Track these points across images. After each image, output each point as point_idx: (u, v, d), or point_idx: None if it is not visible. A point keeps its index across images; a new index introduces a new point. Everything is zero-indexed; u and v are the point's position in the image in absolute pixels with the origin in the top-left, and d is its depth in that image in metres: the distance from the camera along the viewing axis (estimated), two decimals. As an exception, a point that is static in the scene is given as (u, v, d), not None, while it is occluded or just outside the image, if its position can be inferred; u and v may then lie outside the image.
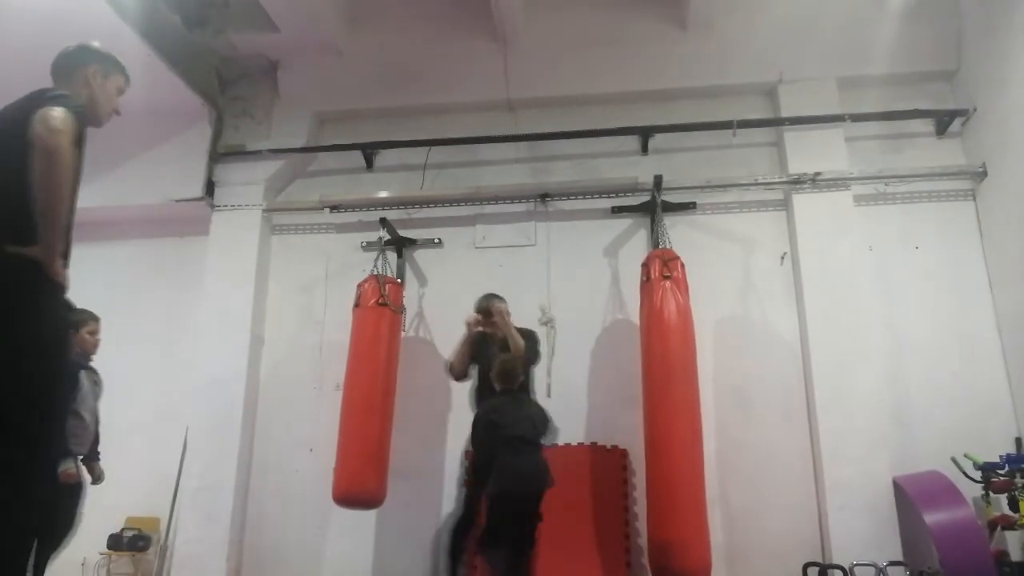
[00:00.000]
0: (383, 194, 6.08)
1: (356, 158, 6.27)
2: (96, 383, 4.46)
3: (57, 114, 2.21)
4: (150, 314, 6.35)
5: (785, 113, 5.77)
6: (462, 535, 4.38)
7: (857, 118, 5.63)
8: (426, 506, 5.46)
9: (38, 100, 2.30)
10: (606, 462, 5.16)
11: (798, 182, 5.60)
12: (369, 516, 5.38)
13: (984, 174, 5.43)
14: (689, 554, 4.36)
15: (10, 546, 2.06)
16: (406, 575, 5.37)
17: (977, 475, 4.64)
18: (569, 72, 6.02)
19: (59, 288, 2.28)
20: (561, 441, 5.31)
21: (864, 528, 4.83)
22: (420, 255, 6.12)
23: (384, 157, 6.32)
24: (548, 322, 5.66)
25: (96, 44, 2.68)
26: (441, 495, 5.47)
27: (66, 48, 2.65)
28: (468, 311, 5.77)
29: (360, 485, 4.97)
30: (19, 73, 2.31)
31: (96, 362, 6.46)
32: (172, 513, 5.67)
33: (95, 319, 4.38)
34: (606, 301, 5.72)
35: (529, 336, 4.73)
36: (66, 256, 2.32)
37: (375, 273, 5.54)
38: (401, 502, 5.25)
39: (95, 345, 4.41)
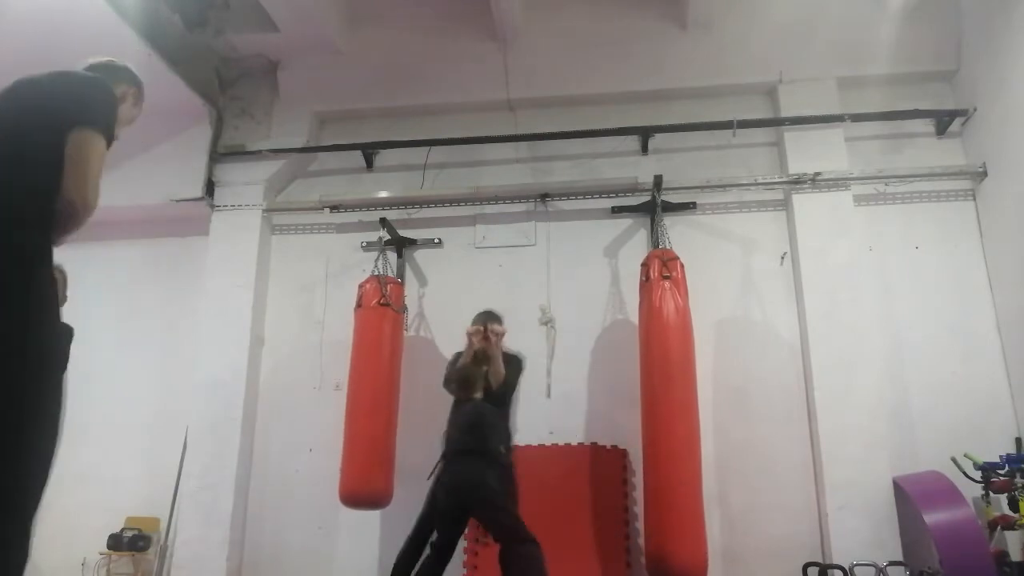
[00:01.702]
0: (383, 194, 6.08)
1: (356, 158, 6.27)
2: None
3: (95, 160, 2.05)
4: (150, 314, 6.34)
5: (785, 113, 5.78)
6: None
7: (857, 118, 5.63)
8: (426, 506, 5.46)
9: (76, 103, 2.13)
10: (606, 462, 5.17)
11: (798, 182, 5.60)
12: (370, 516, 5.38)
13: (984, 174, 5.43)
14: (685, 554, 4.35)
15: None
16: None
17: (977, 475, 4.64)
18: (569, 72, 6.02)
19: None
20: (561, 441, 5.34)
21: (864, 528, 4.83)
22: (420, 255, 6.12)
23: (384, 157, 6.32)
24: (548, 322, 5.67)
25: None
26: (441, 495, 5.47)
27: (117, 60, 2.56)
28: (468, 311, 5.78)
29: (367, 485, 4.99)
30: (19, 71, 2.30)
31: (97, 363, 6.48)
32: (172, 513, 5.66)
33: None
34: (606, 301, 5.72)
35: (510, 362, 4.60)
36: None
37: (376, 273, 5.55)
38: (403, 502, 5.23)
39: None
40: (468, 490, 3.98)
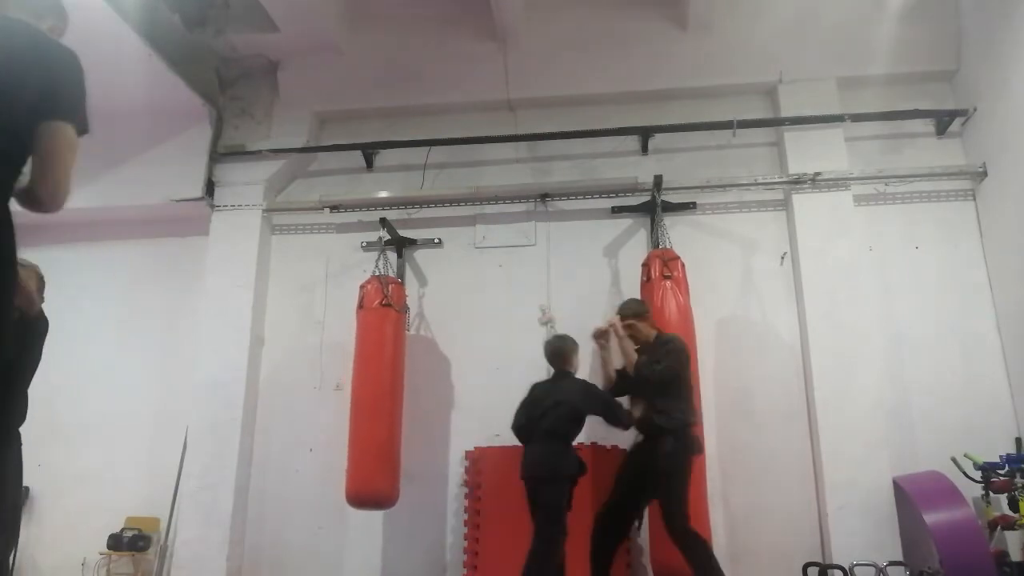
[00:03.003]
0: (383, 194, 6.08)
1: (356, 158, 6.27)
2: None
3: (70, 156, 1.90)
4: (150, 314, 6.34)
5: (785, 113, 5.78)
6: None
7: (857, 118, 5.63)
8: (428, 506, 5.46)
9: (60, 91, 1.96)
10: (606, 462, 5.15)
11: (798, 182, 5.60)
12: (369, 516, 5.38)
13: (984, 174, 5.43)
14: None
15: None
16: (407, 575, 5.38)
17: (977, 475, 4.64)
18: (569, 72, 6.02)
19: None
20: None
21: (864, 528, 4.83)
22: (420, 255, 6.12)
23: (384, 157, 6.32)
24: (548, 322, 5.66)
25: None
26: (443, 495, 5.47)
27: None
28: (468, 311, 5.81)
29: (372, 486, 4.99)
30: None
31: (97, 363, 6.44)
32: (172, 513, 5.66)
33: None
34: (606, 301, 5.71)
35: (664, 343, 4.27)
36: None
37: (377, 274, 5.54)
38: (403, 502, 5.24)
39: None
40: (540, 480, 4.12)
